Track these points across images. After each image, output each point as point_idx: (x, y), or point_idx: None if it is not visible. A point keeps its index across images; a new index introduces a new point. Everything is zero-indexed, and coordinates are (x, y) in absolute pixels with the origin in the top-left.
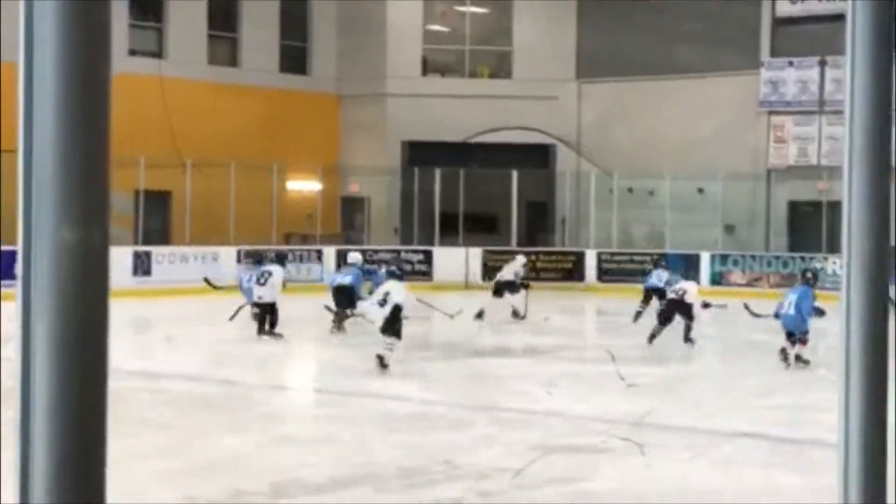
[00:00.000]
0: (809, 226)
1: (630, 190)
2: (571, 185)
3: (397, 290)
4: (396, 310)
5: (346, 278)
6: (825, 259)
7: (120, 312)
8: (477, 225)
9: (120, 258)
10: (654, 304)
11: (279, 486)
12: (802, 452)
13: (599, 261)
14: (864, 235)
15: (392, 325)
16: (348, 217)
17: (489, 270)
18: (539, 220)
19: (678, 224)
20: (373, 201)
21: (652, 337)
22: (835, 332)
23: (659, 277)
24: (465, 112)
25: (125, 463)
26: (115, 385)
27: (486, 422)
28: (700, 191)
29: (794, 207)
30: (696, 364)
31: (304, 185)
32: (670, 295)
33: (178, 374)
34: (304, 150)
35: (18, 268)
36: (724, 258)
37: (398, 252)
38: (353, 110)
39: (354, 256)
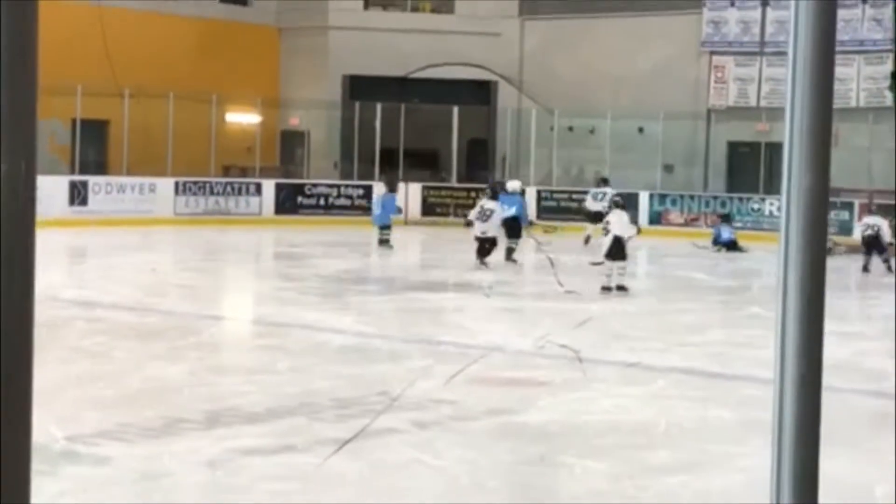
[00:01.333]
0: (748, 166)
1: (570, 128)
2: (512, 122)
3: (617, 220)
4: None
5: (510, 210)
6: (762, 200)
7: (56, 242)
8: (417, 161)
9: (57, 187)
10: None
11: (214, 414)
12: (734, 388)
13: (539, 198)
14: (806, 171)
15: (619, 251)
16: (288, 150)
17: (429, 206)
18: (479, 157)
19: (618, 163)
20: (313, 135)
21: (865, 268)
22: (767, 272)
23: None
24: (407, 46)
25: (60, 390)
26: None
27: (422, 354)
28: (640, 130)
29: (734, 148)
30: (634, 300)
31: (243, 118)
32: (867, 232)
33: (113, 304)
34: (244, 82)
35: None
36: (662, 198)
37: (338, 186)
38: (294, 42)
39: (514, 185)
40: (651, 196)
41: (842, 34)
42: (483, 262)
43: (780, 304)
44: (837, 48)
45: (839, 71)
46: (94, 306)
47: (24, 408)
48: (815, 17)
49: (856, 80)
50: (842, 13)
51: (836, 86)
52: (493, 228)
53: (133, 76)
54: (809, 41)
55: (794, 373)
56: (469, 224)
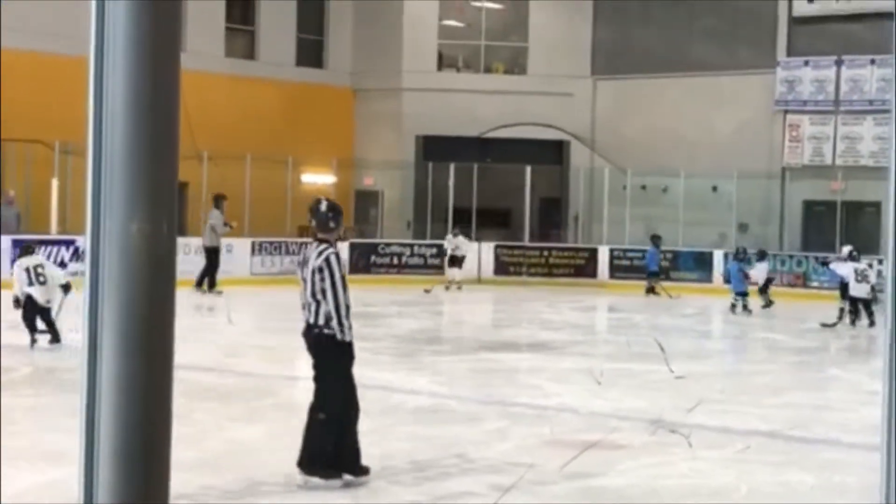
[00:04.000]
0: (824, 225)
1: (643, 187)
2: (585, 181)
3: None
4: None
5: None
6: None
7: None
8: (490, 220)
9: None
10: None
11: (295, 477)
12: (815, 451)
13: (612, 257)
14: None
15: None
16: (362, 210)
17: (501, 265)
18: (552, 216)
19: (691, 222)
20: (386, 195)
21: None
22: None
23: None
24: (480, 107)
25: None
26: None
27: (497, 416)
28: (714, 189)
29: (809, 206)
30: (711, 361)
31: (318, 178)
32: None
33: (192, 365)
34: (320, 144)
35: (86, 261)
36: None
37: (411, 246)
38: (369, 104)
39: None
40: (725, 255)
41: (851, 94)
42: None
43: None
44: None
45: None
46: (175, 368)
47: (164, 470)
48: None
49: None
50: (882, 72)
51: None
52: None
53: (211, 138)
54: None
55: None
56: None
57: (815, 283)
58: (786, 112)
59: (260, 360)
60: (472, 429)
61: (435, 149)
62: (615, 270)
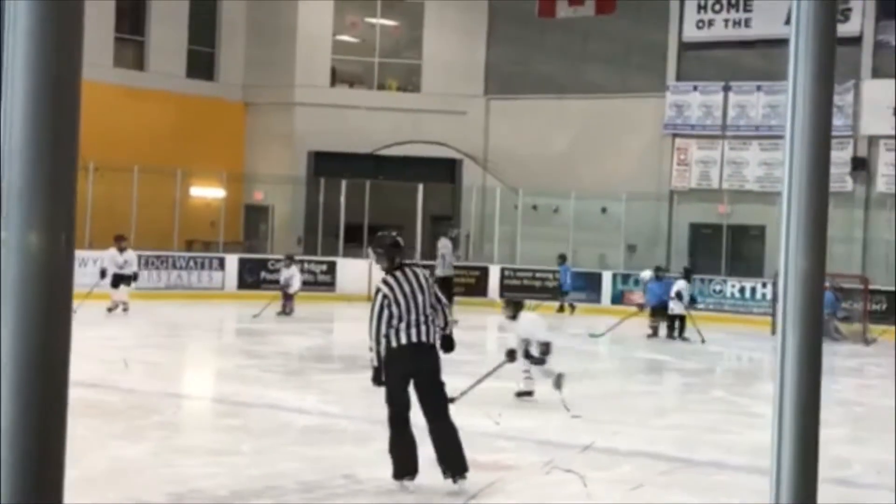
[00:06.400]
0: (710, 248)
1: (535, 207)
2: (477, 200)
3: None
4: None
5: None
6: (724, 282)
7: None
8: None
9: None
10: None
11: (178, 496)
12: (701, 474)
13: (502, 276)
14: (803, 257)
15: None
16: (252, 225)
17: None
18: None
19: (581, 242)
20: (277, 210)
21: None
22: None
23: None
24: (373, 124)
25: None
26: None
27: (387, 436)
28: (603, 210)
29: (696, 229)
30: (598, 382)
31: (207, 192)
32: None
33: (73, 381)
34: (209, 157)
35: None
36: (625, 277)
37: (301, 262)
38: (260, 118)
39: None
40: (614, 276)
41: (738, 119)
42: None
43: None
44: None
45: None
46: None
47: (58, 481)
48: (812, 101)
49: None
50: (769, 98)
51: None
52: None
53: (97, 149)
54: (806, 125)
55: (791, 455)
56: None
57: (700, 305)
58: (674, 136)
59: (145, 376)
60: (361, 449)
61: (327, 165)
62: (505, 289)
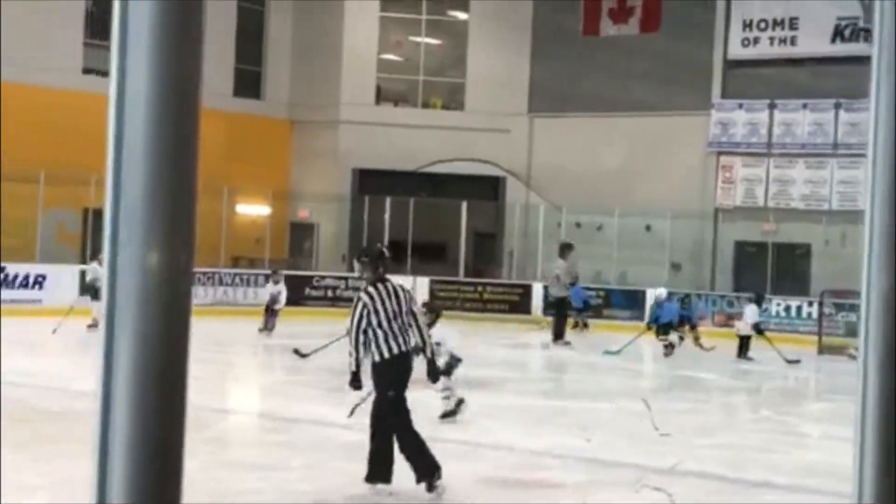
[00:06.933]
0: (755, 266)
1: (578, 224)
2: (520, 217)
3: None
4: None
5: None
6: (769, 300)
7: (66, 332)
8: (425, 254)
9: (66, 277)
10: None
11: None
12: (751, 494)
13: (546, 294)
14: (885, 275)
15: None
16: (297, 242)
17: (437, 300)
18: (487, 252)
19: (625, 260)
20: (322, 227)
21: None
22: (774, 373)
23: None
24: (417, 142)
25: (81, 485)
26: (64, 404)
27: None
28: (648, 228)
29: (741, 247)
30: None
31: (253, 209)
32: None
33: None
34: (256, 175)
35: (103, 290)
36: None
37: (345, 279)
38: (306, 136)
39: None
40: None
41: (783, 137)
42: None
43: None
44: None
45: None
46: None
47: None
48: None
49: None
50: (815, 116)
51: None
52: None
53: None
54: (891, 140)
55: (875, 478)
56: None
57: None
58: (719, 154)
59: (191, 391)
60: (405, 465)
61: (371, 182)
62: (549, 306)
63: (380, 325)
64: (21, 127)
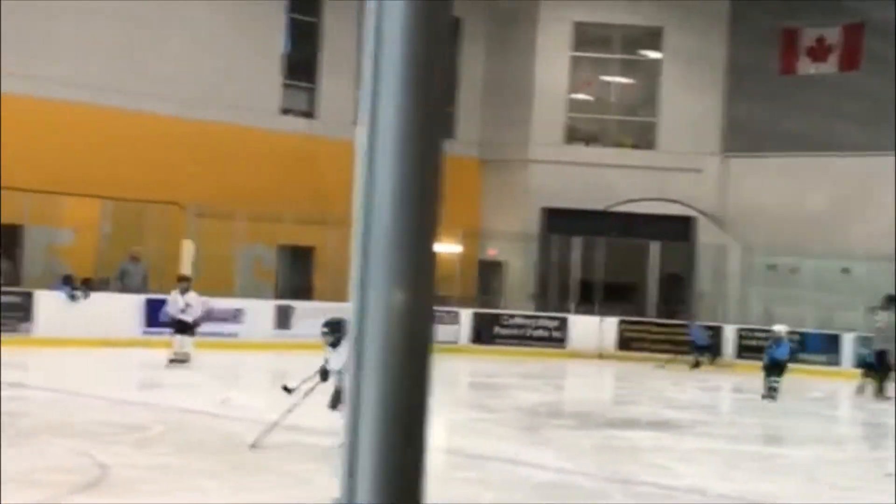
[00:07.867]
0: None
1: (772, 266)
2: (712, 258)
3: None
4: None
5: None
6: None
7: (261, 364)
8: (614, 294)
9: (262, 311)
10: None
11: None
12: None
13: (739, 337)
14: None
15: None
16: (485, 280)
17: (624, 340)
18: (677, 292)
19: (820, 304)
20: (510, 266)
21: None
22: None
23: None
24: (607, 181)
25: None
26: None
27: (623, 494)
28: (845, 270)
29: None
30: (842, 446)
31: (444, 248)
32: None
33: (313, 429)
34: (446, 213)
35: (352, 325)
36: (866, 340)
37: (535, 318)
38: (495, 174)
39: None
40: (856, 338)
41: None
42: None
43: None
44: None
45: None
46: (299, 431)
47: None
48: None
49: None
50: None
51: None
52: None
53: (339, 205)
54: None
55: None
56: None
57: None
58: None
59: None
60: None
61: (560, 221)
62: (742, 350)
63: None
64: (219, 163)
